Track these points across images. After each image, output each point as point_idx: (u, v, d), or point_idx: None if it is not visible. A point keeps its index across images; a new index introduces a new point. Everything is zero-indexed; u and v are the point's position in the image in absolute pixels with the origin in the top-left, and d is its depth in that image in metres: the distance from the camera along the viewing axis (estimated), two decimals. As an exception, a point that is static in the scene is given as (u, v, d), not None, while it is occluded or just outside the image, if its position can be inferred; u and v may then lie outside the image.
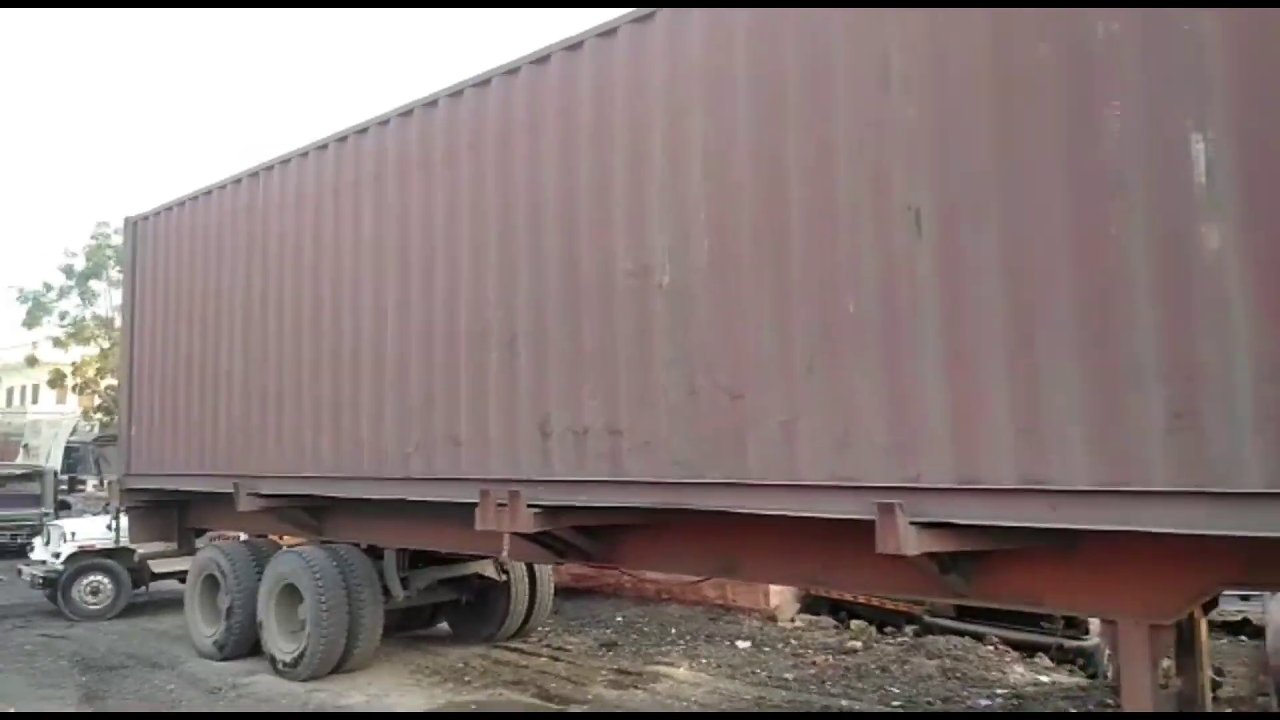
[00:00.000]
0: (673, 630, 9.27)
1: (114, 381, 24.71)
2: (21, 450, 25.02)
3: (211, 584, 8.86)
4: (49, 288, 23.93)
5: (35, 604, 12.25)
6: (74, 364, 24.95)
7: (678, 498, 5.13)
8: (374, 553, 8.08)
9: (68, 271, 23.92)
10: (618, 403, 5.40)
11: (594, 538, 6.24)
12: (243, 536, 9.52)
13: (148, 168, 70.25)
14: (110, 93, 74.20)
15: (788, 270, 4.63)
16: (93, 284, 23.96)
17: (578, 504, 5.68)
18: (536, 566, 9.09)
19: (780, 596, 9.50)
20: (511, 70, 6.10)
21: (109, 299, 24.29)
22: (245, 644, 8.40)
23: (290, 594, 7.93)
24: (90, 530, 11.38)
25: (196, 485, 8.89)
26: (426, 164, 6.69)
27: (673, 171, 5.16)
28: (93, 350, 24.58)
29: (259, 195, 8.36)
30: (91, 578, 11.09)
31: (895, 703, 6.95)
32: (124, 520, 10.53)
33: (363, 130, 7.26)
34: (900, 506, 4.07)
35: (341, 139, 7.48)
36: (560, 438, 5.73)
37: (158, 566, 11.45)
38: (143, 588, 11.51)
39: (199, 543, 10.71)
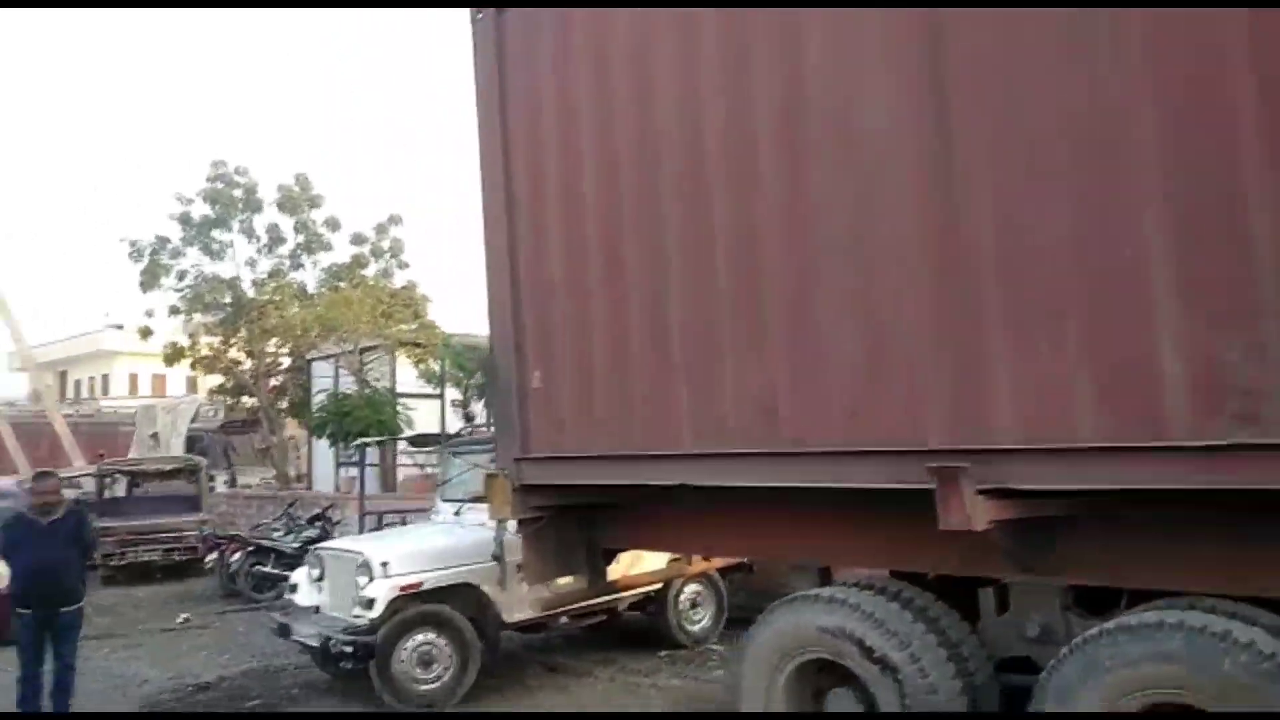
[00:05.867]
0: None
1: (240, 356, 20.47)
2: (150, 441, 20.79)
3: (811, 677, 4.34)
4: (164, 242, 19.47)
5: (273, 664, 7.97)
6: (191, 335, 20.59)
7: None
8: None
9: (184, 220, 19.43)
10: None
11: None
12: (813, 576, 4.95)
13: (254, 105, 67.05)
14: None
15: None
16: (216, 234, 19.46)
17: None
18: None
19: None
20: None
21: (235, 254, 19.79)
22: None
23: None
24: (410, 556, 6.87)
25: (784, 476, 4.24)
26: None
27: None
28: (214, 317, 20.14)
29: None
30: (419, 638, 6.62)
31: None
32: (508, 538, 6.04)
33: None
34: None
35: None
36: None
37: (510, 612, 6.99)
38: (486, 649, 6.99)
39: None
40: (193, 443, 21.17)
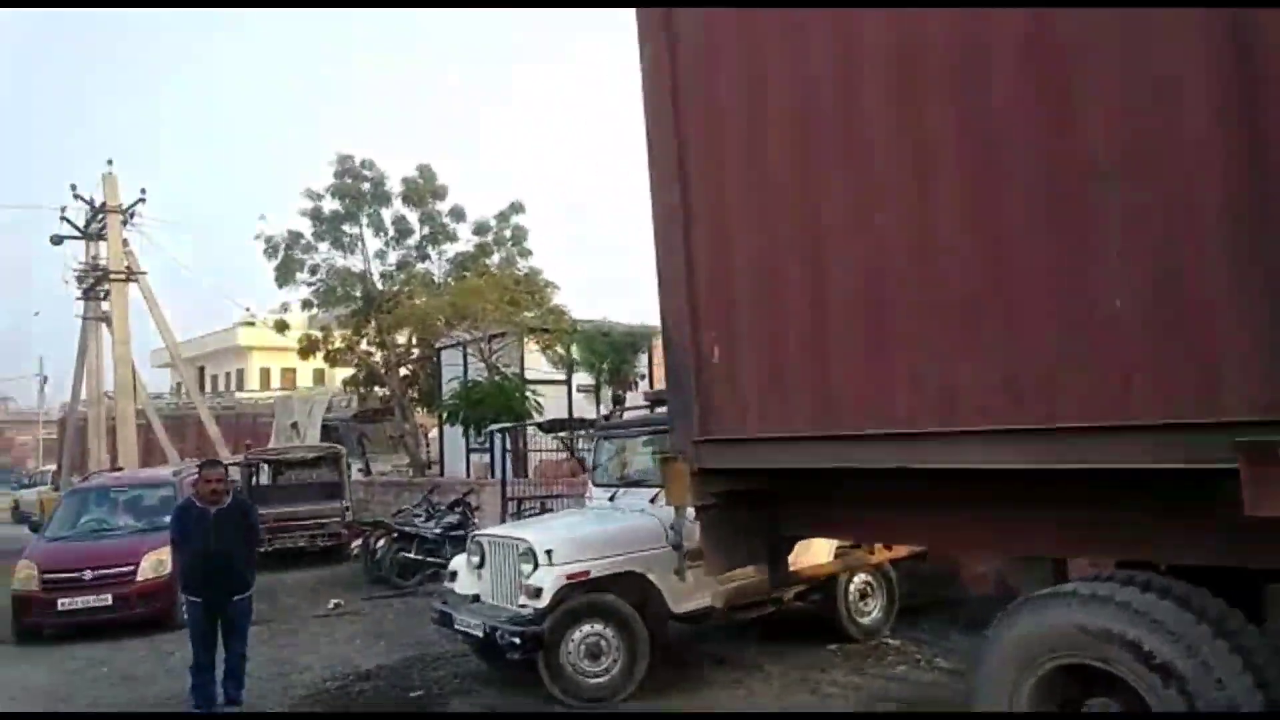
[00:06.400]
0: None
1: (371, 348, 20.76)
2: (289, 430, 21.41)
3: (1059, 684, 3.80)
4: (298, 237, 19.87)
5: (429, 653, 7.82)
6: (324, 327, 21.00)
7: None
8: None
9: (315, 215, 19.77)
10: None
11: None
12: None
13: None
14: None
15: None
16: (346, 228, 19.72)
17: None
18: None
19: None
20: None
21: (364, 247, 20.01)
22: None
23: None
24: (575, 543, 6.57)
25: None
26: None
27: None
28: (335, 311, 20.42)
29: None
30: (586, 628, 6.33)
31: None
32: (686, 524, 5.64)
33: None
34: None
35: None
36: None
37: (678, 602, 6.62)
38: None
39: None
40: (328, 432, 21.69)
